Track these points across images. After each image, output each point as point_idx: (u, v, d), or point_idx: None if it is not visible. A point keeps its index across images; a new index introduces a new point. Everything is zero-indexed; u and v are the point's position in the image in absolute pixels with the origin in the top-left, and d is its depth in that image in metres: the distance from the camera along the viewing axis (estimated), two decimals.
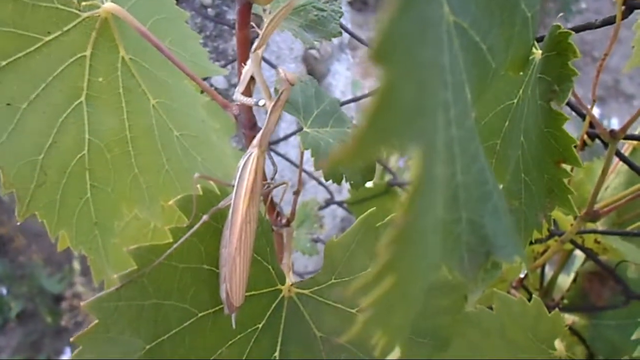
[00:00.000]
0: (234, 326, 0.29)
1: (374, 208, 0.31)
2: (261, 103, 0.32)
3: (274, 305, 0.31)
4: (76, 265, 1.99)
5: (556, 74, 0.28)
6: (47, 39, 0.33)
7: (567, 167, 0.30)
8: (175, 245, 0.26)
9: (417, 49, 0.10)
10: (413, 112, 0.10)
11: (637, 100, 3.38)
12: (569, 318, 0.64)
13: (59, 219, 0.35)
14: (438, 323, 0.33)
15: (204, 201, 0.28)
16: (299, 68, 0.79)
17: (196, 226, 0.27)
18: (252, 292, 0.30)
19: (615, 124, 3.03)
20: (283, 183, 0.36)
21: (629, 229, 0.57)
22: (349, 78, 0.96)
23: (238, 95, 0.32)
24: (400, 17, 0.10)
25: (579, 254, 0.69)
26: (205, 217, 0.27)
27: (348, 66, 0.95)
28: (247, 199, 0.31)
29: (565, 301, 0.62)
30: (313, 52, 0.76)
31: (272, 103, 0.31)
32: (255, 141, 0.32)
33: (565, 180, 0.30)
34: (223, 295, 0.29)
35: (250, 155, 0.31)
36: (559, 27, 0.28)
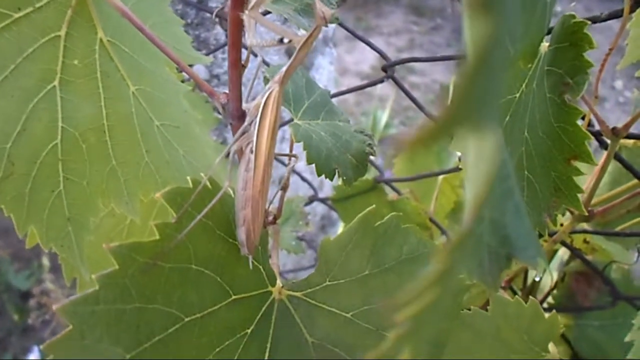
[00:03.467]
0: (251, 267, 0.28)
1: (373, 206, 0.29)
2: (285, 40, 0.30)
3: (263, 309, 0.29)
4: (45, 261, 1.93)
5: (569, 66, 0.26)
6: (17, 15, 0.30)
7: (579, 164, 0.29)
8: (171, 244, 0.24)
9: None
10: (495, 90, 0.09)
11: (609, 102, 3.45)
12: None
13: (28, 213, 0.32)
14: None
15: (194, 195, 0.26)
16: (282, 60, 0.77)
17: (191, 225, 0.24)
18: (242, 295, 0.28)
19: None
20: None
21: (618, 229, 0.57)
22: (332, 72, 0.94)
23: (252, 40, 0.29)
24: None
25: (560, 252, 0.69)
26: (199, 216, 0.25)
27: (331, 60, 0.93)
28: (269, 138, 0.29)
29: (552, 300, 0.62)
30: None
31: (303, 38, 0.29)
32: (277, 77, 0.30)
33: (576, 179, 0.29)
34: (242, 237, 0.28)
35: (270, 92, 0.29)
36: (573, 16, 0.26)
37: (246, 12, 0.27)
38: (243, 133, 0.29)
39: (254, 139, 0.28)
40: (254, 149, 0.28)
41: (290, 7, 0.31)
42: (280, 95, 0.29)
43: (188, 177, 0.26)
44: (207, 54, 0.65)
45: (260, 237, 0.29)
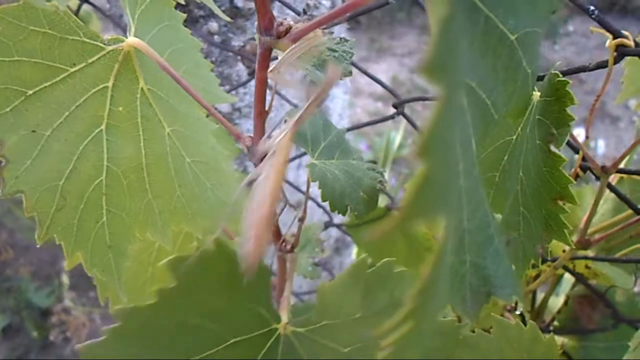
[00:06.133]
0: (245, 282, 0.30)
1: (365, 255, 0.32)
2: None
3: (269, 344, 0.32)
4: (65, 279, 1.97)
5: (554, 119, 0.30)
6: (73, 70, 0.35)
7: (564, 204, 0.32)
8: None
9: (450, 137, 0.12)
10: (442, 192, 0.12)
11: (623, 121, 3.45)
12: (559, 339, 0.66)
13: (75, 241, 0.36)
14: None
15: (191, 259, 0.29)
16: (299, 92, 0.81)
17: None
18: (243, 337, 0.31)
19: (601, 145, 3.10)
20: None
21: (618, 254, 0.59)
22: (346, 101, 0.99)
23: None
24: (442, 114, 0.11)
25: (567, 276, 0.71)
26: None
27: (346, 90, 0.98)
28: (279, 177, 0.32)
29: (557, 323, 0.64)
30: None
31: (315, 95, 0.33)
32: (292, 121, 0.33)
33: (562, 216, 0.32)
34: (245, 252, 0.30)
35: (285, 133, 0.33)
36: (557, 75, 0.30)
37: (269, 74, 0.31)
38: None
39: (267, 170, 0.31)
40: (267, 176, 0.31)
41: (309, 62, 0.35)
42: (294, 138, 0.32)
43: (194, 243, 0.29)
44: (230, 90, 0.70)
45: (263, 281, 0.32)
